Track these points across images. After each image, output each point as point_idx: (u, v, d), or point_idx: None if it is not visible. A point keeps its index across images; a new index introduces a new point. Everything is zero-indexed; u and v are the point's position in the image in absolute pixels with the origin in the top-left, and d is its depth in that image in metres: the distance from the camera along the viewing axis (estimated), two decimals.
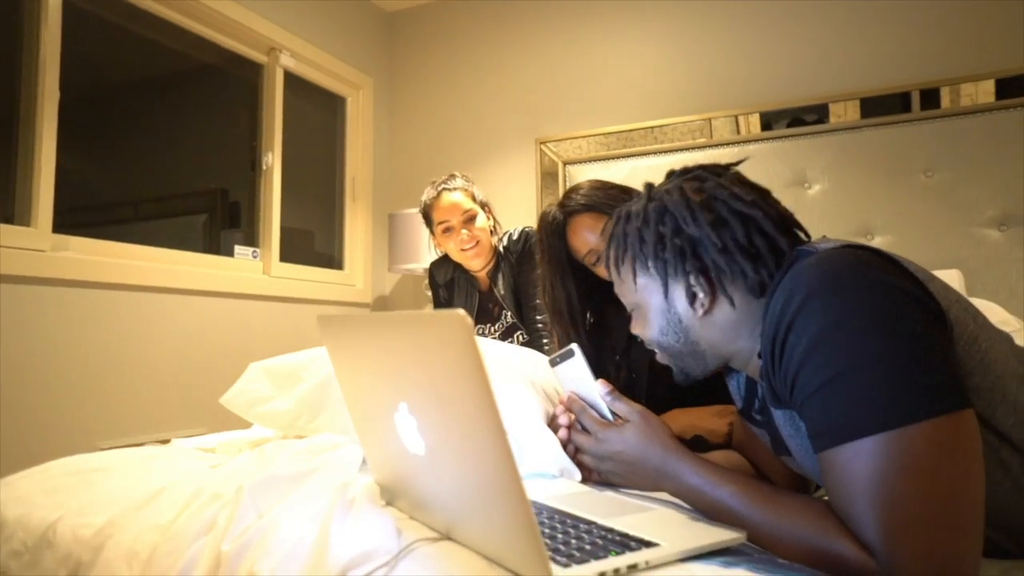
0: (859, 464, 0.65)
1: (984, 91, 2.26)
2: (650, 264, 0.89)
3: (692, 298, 0.86)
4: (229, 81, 2.89)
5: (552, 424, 1.03)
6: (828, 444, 0.68)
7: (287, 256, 2.90)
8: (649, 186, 0.95)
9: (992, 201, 2.22)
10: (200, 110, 2.84)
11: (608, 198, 1.41)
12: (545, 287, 1.49)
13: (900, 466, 0.63)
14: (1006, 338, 0.80)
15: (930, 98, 2.34)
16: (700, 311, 0.86)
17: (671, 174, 0.95)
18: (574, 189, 1.48)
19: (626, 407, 0.91)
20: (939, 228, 2.27)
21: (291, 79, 2.98)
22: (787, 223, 0.87)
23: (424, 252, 2.90)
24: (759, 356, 0.83)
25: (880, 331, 0.67)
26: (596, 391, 0.93)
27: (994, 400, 0.72)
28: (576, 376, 0.96)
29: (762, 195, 0.89)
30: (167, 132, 2.67)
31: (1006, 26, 2.27)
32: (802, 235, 0.89)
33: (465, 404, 0.59)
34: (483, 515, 0.66)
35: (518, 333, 2.11)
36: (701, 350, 0.89)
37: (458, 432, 0.62)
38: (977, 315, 0.77)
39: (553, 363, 0.99)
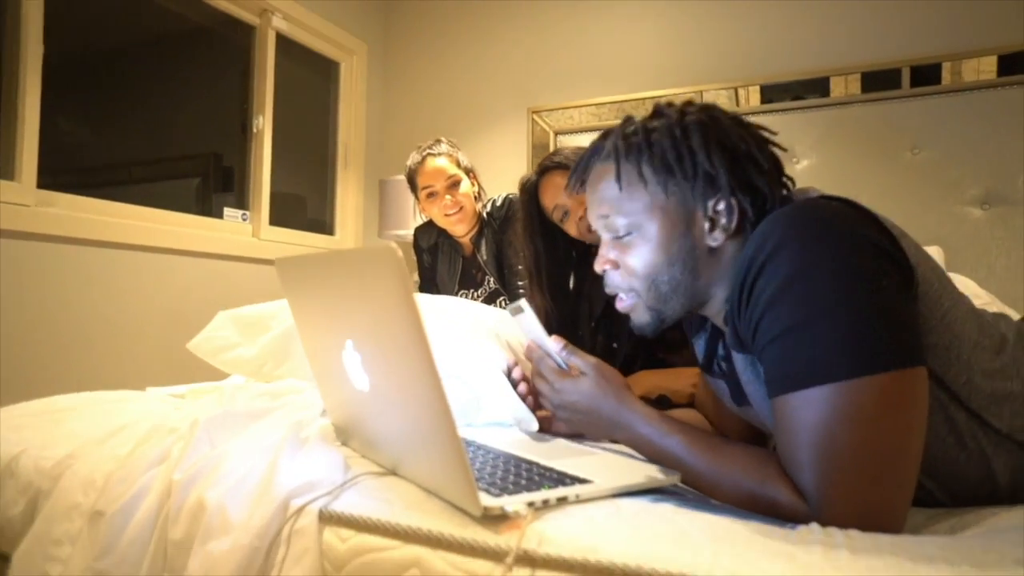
0: (807, 411, 0.67)
1: (985, 67, 2.24)
2: (687, 178, 0.81)
3: (712, 224, 0.82)
4: (222, 43, 2.87)
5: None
6: (782, 390, 0.69)
7: (279, 220, 2.91)
8: (661, 106, 0.89)
9: (976, 179, 2.23)
10: (194, 73, 2.83)
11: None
12: (519, 246, 1.51)
13: (845, 416, 0.65)
14: (967, 303, 0.80)
15: (931, 73, 2.32)
16: (720, 238, 0.81)
17: (658, 109, 0.89)
18: (554, 151, 1.50)
19: (581, 361, 0.90)
20: (922, 205, 2.28)
21: (284, 43, 2.96)
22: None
23: (416, 218, 2.91)
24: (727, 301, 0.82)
25: (846, 282, 0.67)
26: (551, 347, 0.93)
27: (949, 359, 0.73)
28: (531, 329, 0.96)
29: None
30: (162, 95, 2.66)
31: (1012, 1, 2.25)
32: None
33: (398, 337, 0.61)
34: (420, 447, 0.68)
35: (501, 299, 2.13)
36: (698, 285, 0.84)
37: (395, 364, 0.64)
38: (943, 276, 0.78)
39: (513, 313, 0.98)
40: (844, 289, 0.67)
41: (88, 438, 0.87)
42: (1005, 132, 2.19)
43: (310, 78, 3.27)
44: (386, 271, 0.58)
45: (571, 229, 1.45)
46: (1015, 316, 0.96)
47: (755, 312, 0.72)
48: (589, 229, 1.37)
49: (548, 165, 1.45)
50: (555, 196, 1.43)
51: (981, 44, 2.27)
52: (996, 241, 2.18)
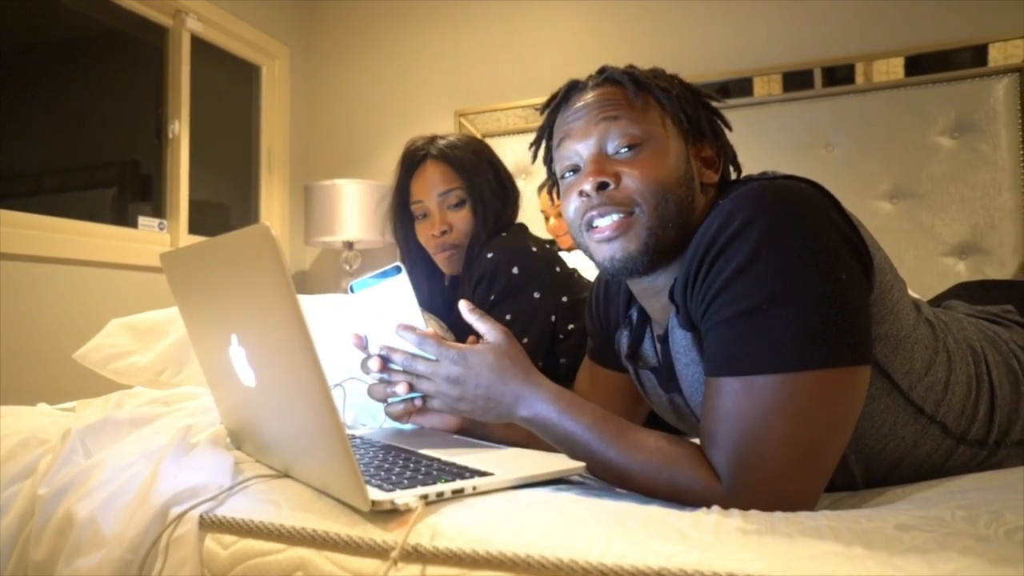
0: (746, 397, 0.65)
1: (893, 68, 2.35)
2: (687, 118, 0.85)
3: (705, 162, 0.86)
4: (134, 46, 2.75)
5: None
6: (724, 372, 0.68)
7: (201, 229, 2.79)
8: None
9: (886, 175, 2.32)
10: (106, 77, 2.69)
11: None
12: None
13: (783, 407, 0.64)
14: (909, 295, 0.81)
15: (845, 74, 2.42)
16: (714, 178, 0.85)
17: (604, 69, 0.92)
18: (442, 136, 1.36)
19: (487, 326, 0.80)
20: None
21: (202, 46, 2.85)
22: None
23: (342, 224, 2.84)
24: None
25: (806, 272, 0.66)
26: (427, 324, 0.80)
27: (896, 348, 0.74)
28: (399, 302, 0.81)
29: None
30: (72, 101, 2.52)
31: (917, 5, 2.36)
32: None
33: (276, 322, 0.57)
34: (308, 443, 0.64)
35: None
36: (689, 212, 0.81)
37: (276, 354, 0.61)
38: (893, 268, 0.78)
39: (362, 285, 0.83)
40: (804, 278, 0.66)
41: None
42: (910, 129, 2.29)
43: (230, 82, 3.16)
44: (260, 253, 0.55)
45: (422, 232, 1.33)
46: None
47: (711, 289, 0.70)
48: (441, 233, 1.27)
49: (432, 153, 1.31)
50: (428, 188, 1.30)
51: (889, 46, 2.37)
52: (905, 234, 2.27)
